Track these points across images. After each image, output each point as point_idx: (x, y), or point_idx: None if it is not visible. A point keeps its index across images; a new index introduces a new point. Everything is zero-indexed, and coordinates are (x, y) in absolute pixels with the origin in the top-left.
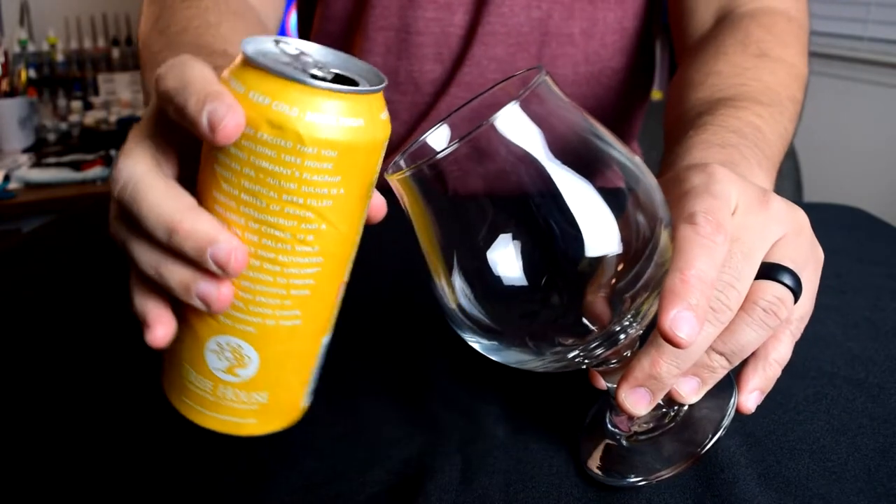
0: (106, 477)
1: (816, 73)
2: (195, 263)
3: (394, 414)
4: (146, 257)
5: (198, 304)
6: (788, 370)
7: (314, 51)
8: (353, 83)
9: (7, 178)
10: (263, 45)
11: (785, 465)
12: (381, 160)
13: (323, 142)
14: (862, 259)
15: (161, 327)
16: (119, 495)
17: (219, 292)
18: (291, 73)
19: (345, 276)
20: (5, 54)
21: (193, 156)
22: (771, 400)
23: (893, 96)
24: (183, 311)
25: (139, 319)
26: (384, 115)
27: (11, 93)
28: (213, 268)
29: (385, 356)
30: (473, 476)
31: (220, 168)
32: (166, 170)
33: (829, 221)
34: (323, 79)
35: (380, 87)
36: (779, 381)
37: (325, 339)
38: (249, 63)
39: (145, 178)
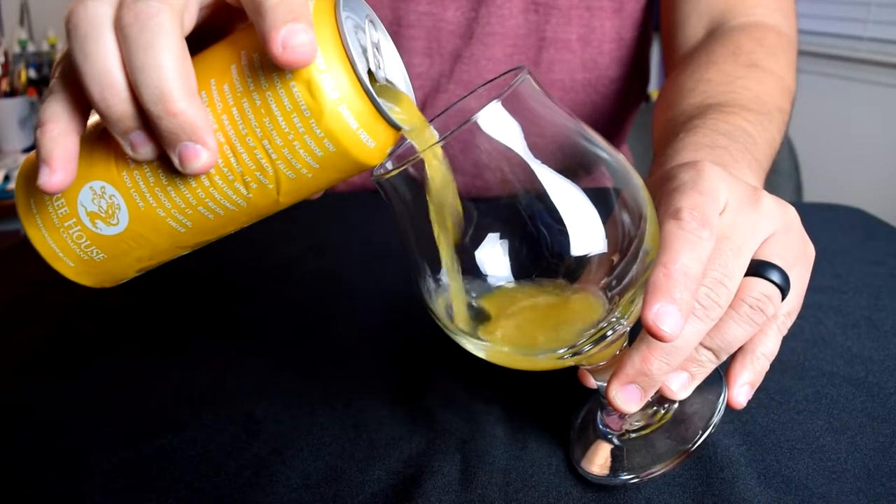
0: (104, 475)
1: (816, 73)
2: (151, 118)
3: (393, 413)
4: (106, 74)
5: (125, 144)
6: (788, 370)
7: (387, 51)
8: (391, 93)
9: (7, 178)
10: (358, 11)
11: (784, 464)
12: (350, 177)
13: (333, 135)
14: (862, 259)
15: (63, 175)
16: (118, 494)
17: (154, 147)
18: (357, 64)
19: (243, 227)
20: (5, 54)
21: (211, 32)
22: (770, 399)
23: (893, 96)
24: (95, 137)
25: (40, 154)
26: (389, 150)
27: (11, 93)
28: (174, 157)
29: (384, 356)
30: (473, 475)
31: (237, 74)
32: (186, 24)
33: (829, 221)
34: (374, 78)
35: (405, 131)
36: (778, 380)
37: (185, 253)
38: (335, 19)
39: (168, 26)
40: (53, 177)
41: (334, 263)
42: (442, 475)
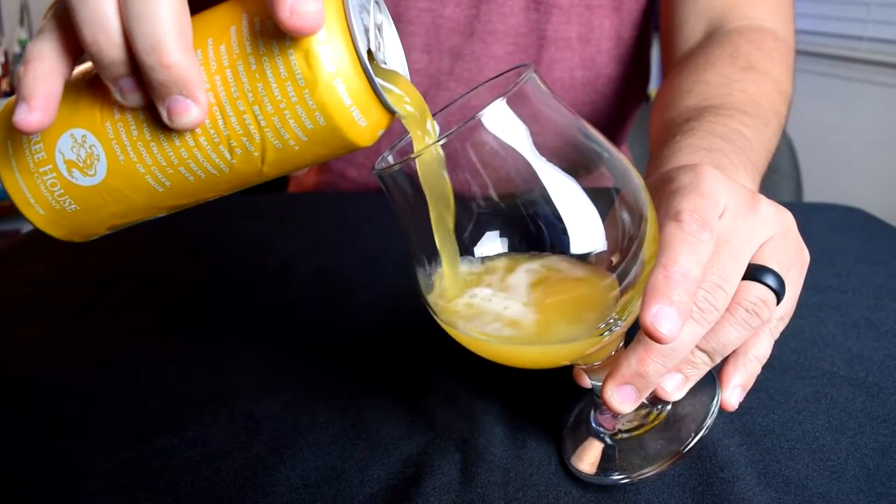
0: (104, 475)
1: (816, 73)
2: (143, 68)
3: (393, 413)
4: (101, 18)
5: (114, 90)
6: (788, 370)
7: (389, 35)
8: (390, 76)
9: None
10: None
11: (784, 464)
12: (337, 157)
13: (325, 108)
14: (862, 259)
15: (41, 115)
16: (118, 494)
17: (143, 96)
18: (358, 41)
19: (221, 195)
20: (5, 54)
21: None
22: (770, 399)
23: (893, 96)
24: (83, 84)
25: (21, 91)
26: (380, 133)
27: (11, 93)
28: (162, 109)
29: (384, 356)
30: (472, 475)
31: (236, 35)
32: None
33: (829, 221)
34: (373, 59)
35: (400, 116)
36: (778, 380)
37: (159, 216)
38: None
39: None
40: (31, 115)
41: (334, 263)
42: (442, 474)
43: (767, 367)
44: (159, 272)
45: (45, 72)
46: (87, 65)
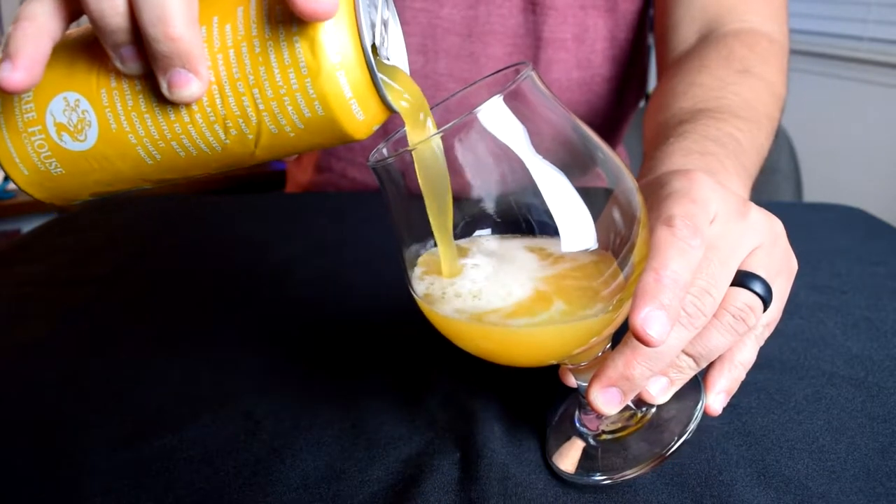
0: (104, 475)
1: (816, 73)
2: (147, 38)
3: (393, 413)
4: None
5: (114, 56)
6: (788, 370)
7: (394, 32)
8: (392, 72)
9: (7, 179)
10: None
11: (784, 464)
12: (331, 147)
13: (325, 98)
14: (862, 259)
15: (25, 74)
16: (118, 494)
17: (143, 65)
18: (364, 35)
19: (210, 174)
20: None
21: None
22: (770, 399)
23: (893, 96)
24: (81, 47)
25: (8, 49)
26: (375, 128)
27: None
28: (163, 81)
29: (384, 356)
30: (472, 474)
31: (242, 16)
32: None
33: (829, 221)
34: (376, 54)
35: (397, 112)
36: (778, 380)
37: (144, 187)
38: None
39: None
40: (14, 73)
41: (334, 263)
42: (441, 474)
43: (768, 368)
44: (159, 272)
45: (34, 32)
46: (87, 28)
